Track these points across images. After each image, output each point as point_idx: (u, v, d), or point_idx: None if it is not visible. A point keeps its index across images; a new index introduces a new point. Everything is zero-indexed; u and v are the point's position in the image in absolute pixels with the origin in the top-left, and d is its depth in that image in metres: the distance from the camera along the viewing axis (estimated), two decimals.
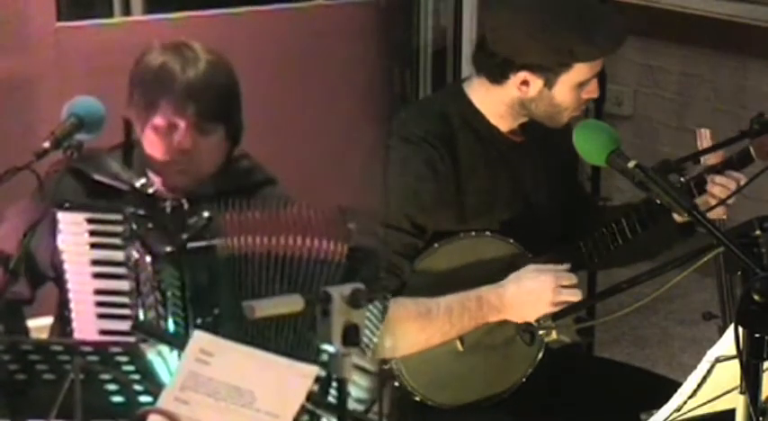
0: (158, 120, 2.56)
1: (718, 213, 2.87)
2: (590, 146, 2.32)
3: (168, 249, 2.45)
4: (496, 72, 2.72)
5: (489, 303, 2.71)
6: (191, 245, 2.46)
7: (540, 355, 2.82)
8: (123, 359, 2.10)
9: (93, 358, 2.09)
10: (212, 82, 2.56)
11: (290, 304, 2.01)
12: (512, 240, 2.77)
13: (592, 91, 2.74)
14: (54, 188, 2.47)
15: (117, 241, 2.46)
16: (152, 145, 2.59)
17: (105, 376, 2.11)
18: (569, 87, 2.70)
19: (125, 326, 2.41)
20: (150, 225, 2.47)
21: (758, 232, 2.55)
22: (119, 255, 2.46)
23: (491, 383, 2.81)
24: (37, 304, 2.69)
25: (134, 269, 2.45)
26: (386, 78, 4.48)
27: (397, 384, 2.73)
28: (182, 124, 2.55)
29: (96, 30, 4.08)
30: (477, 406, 2.80)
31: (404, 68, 4.56)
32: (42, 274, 2.64)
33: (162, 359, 2.13)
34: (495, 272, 2.74)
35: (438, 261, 2.73)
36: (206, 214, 2.48)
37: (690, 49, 5.11)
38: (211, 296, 2.45)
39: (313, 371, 1.98)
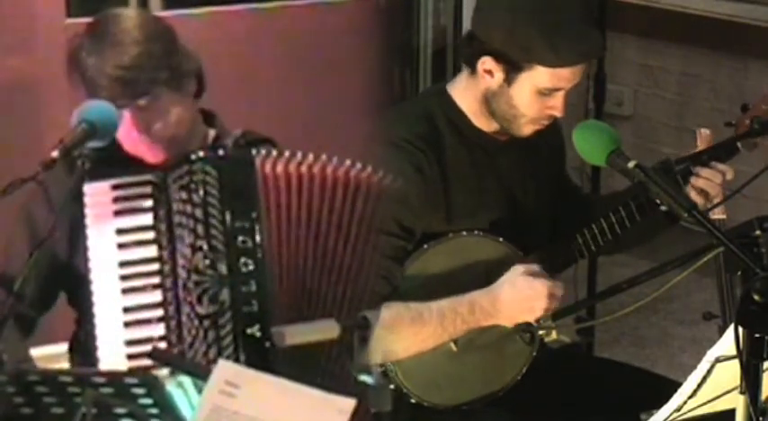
0: None
1: (717, 213, 2.88)
2: (590, 146, 2.32)
3: (201, 154, 2.40)
4: (470, 55, 2.74)
5: (482, 308, 2.71)
6: (223, 151, 2.42)
7: (535, 352, 2.82)
8: (140, 391, 1.95)
9: (107, 390, 1.95)
10: (130, 63, 2.44)
11: (325, 330, 1.87)
12: (501, 239, 2.77)
13: (555, 107, 2.71)
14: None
15: (145, 203, 2.40)
16: (120, 138, 2.49)
17: (120, 410, 1.96)
18: (528, 90, 2.68)
19: (153, 298, 2.37)
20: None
21: (758, 232, 2.55)
22: (146, 219, 2.39)
23: (487, 382, 2.81)
24: (44, 331, 2.61)
25: (165, 210, 2.39)
26: (386, 78, 4.47)
27: (392, 386, 2.73)
28: (125, 113, 2.45)
29: None
30: (475, 406, 2.80)
31: (404, 68, 4.57)
32: (54, 289, 2.58)
33: (183, 391, 2.01)
34: (486, 271, 2.74)
35: (428, 262, 2.73)
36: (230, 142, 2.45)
37: (690, 49, 5.11)
38: (249, 198, 2.39)
39: (350, 404, 1.85)
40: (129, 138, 2.48)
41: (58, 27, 3.76)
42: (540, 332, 2.79)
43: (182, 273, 2.38)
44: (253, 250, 2.38)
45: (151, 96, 2.46)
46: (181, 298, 2.38)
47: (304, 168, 2.41)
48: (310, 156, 2.42)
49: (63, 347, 2.66)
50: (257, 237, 2.38)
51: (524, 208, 2.86)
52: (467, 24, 4.36)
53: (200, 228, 2.38)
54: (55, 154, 2.24)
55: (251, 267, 2.37)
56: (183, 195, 2.39)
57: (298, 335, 1.91)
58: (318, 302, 2.41)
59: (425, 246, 2.72)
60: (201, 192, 2.39)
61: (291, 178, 2.41)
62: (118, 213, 2.40)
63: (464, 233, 2.75)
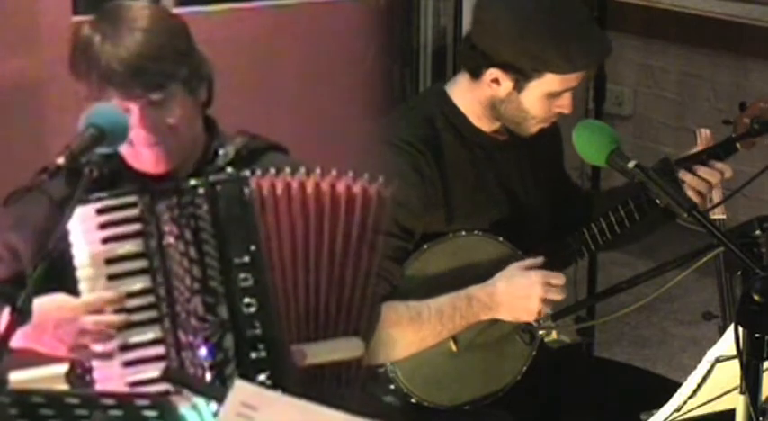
0: None
1: (717, 213, 2.89)
2: (590, 146, 2.32)
3: (193, 182, 2.22)
4: (473, 65, 2.73)
5: (480, 302, 2.71)
6: (215, 177, 2.23)
7: (535, 352, 2.82)
8: (151, 413, 1.84)
9: (116, 412, 1.83)
10: (146, 52, 2.26)
11: (348, 349, 1.78)
12: (501, 239, 2.77)
13: (564, 106, 2.73)
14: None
15: (133, 227, 2.23)
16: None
17: None
18: (538, 96, 2.69)
19: (149, 334, 2.22)
20: (168, 186, 2.23)
21: (758, 232, 2.55)
22: (137, 246, 2.22)
23: (487, 382, 2.81)
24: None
25: (156, 240, 2.21)
26: (386, 78, 4.47)
27: (393, 386, 2.73)
28: (133, 107, 2.27)
29: None
30: (475, 406, 2.80)
31: (404, 68, 4.56)
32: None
33: (197, 413, 1.86)
34: (486, 270, 2.74)
35: (428, 262, 2.73)
36: (229, 169, 2.28)
37: (690, 49, 5.11)
38: (247, 229, 2.21)
39: None
40: (136, 137, 2.29)
41: (63, 25, 3.54)
42: (540, 332, 2.79)
43: (181, 314, 2.22)
44: (255, 288, 2.21)
45: (167, 92, 2.29)
46: (182, 341, 2.22)
47: (310, 187, 2.24)
48: (317, 171, 2.26)
49: (63, 368, 2.47)
50: (259, 273, 2.21)
51: (524, 207, 2.86)
52: (467, 24, 4.36)
53: (195, 270, 2.21)
54: (61, 160, 2.07)
55: (253, 309, 2.21)
56: (174, 230, 2.22)
57: (319, 354, 1.83)
58: (330, 324, 2.26)
59: (425, 246, 2.72)
60: (193, 228, 2.22)
61: (294, 199, 2.24)
62: (106, 241, 2.24)
63: (464, 233, 2.75)
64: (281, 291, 2.24)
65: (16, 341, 2.03)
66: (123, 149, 2.34)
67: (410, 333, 2.67)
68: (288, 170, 2.25)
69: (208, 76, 2.42)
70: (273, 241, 2.23)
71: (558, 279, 2.72)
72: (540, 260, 2.75)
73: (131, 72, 2.26)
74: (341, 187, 2.27)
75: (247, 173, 2.26)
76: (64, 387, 2.39)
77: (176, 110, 2.32)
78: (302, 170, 2.26)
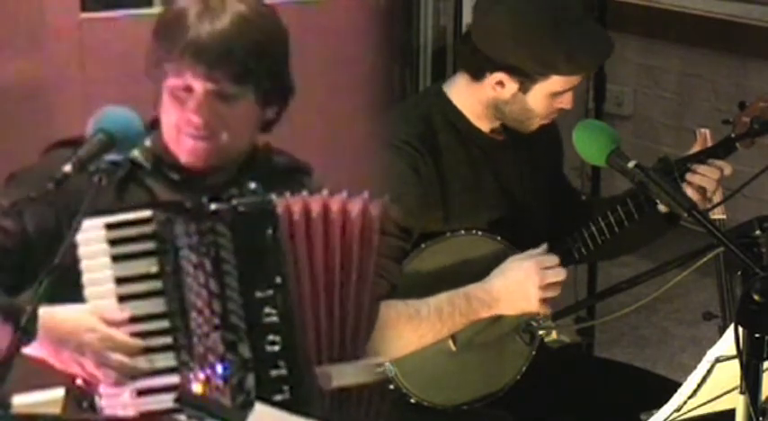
0: (172, 81, 2.17)
1: (717, 213, 2.89)
2: (590, 146, 2.32)
3: (214, 207, 2.06)
4: (475, 68, 2.73)
5: (478, 299, 2.71)
6: (239, 200, 2.07)
7: (535, 352, 2.82)
8: None
9: None
10: (237, 37, 2.14)
11: (374, 370, 1.70)
12: (499, 238, 2.77)
13: (565, 102, 2.75)
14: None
15: (147, 246, 2.09)
16: (167, 111, 2.17)
17: None
18: (543, 95, 2.71)
19: (163, 362, 2.06)
20: (186, 204, 2.08)
21: (758, 232, 2.55)
22: (151, 265, 2.08)
23: (486, 382, 2.81)
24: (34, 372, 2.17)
25: (172, 260, 2.06)
26: (386, 77, 4.47)
27: (392, 386, 2.73)
28: (198, 87, 2.15)
29: (130, 22, 3.38)
30: (475, 406, 2.80)
31: (404, 68, 4.56)
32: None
33: None
34: (484, 270, 2.74)
35: (426, 261, 2.73)
36: (252, 185, 2.13)
37: (690, 49, 5.12)
38: (272, 260, 2.06)
39: None
40: (185, 124, 2.16)
41: (71, 23, 3.36)
42: (540, 332, 2.79)
43: (198, 348, 2.07)
44: (279, 324, 2.05)
45: (240, 89, 2.17)
46: (199, 378, 2.07)
47: (355, 210, 2.11)
48: (365, 194, 2.12)
49: (58, 393, 2.28)
50: (284, 307, 2.06)
51: (523, 206, 2.86)
52: (467, 23, 4.36)
53: (215, 303, 2.05)
54: (68, 168, 1.95)
55: (278, 347, 2.05)
56: (193, 259, 2.07)
57: (345, 376, 1.78)
58: (354, 346, 2.14)
59: (423, 245, 2.72)
60: (213, 257, 2.05)
61: (333, 223, 2.10)
62: (116, 259, 2.08)
63: (462, 232, 2.75)
64: (311, 317, 2.10)
65: (33, 349, 1.93)
66: (166, 129, 2.20)
67: (409, 331, 2.67)
68: (325, 192, 2.13)
69: (285, 98, 2.29)
70: (304, 268, 2.10)
71: (551, 260, 2.71)
72: (540, 250, 2.74)
73: (221, 50, 2.13)
74: (396, 215, 2.19)
75: (273, 196, 2.11)
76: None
77: (239, 113, 2.20)
78: (344, 193, 2.14)
